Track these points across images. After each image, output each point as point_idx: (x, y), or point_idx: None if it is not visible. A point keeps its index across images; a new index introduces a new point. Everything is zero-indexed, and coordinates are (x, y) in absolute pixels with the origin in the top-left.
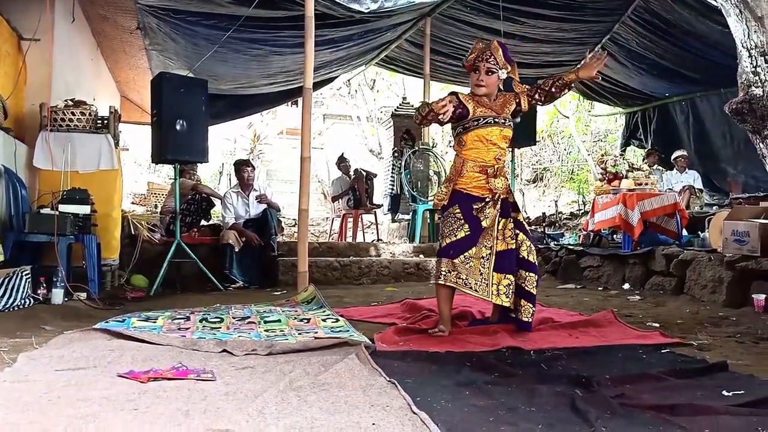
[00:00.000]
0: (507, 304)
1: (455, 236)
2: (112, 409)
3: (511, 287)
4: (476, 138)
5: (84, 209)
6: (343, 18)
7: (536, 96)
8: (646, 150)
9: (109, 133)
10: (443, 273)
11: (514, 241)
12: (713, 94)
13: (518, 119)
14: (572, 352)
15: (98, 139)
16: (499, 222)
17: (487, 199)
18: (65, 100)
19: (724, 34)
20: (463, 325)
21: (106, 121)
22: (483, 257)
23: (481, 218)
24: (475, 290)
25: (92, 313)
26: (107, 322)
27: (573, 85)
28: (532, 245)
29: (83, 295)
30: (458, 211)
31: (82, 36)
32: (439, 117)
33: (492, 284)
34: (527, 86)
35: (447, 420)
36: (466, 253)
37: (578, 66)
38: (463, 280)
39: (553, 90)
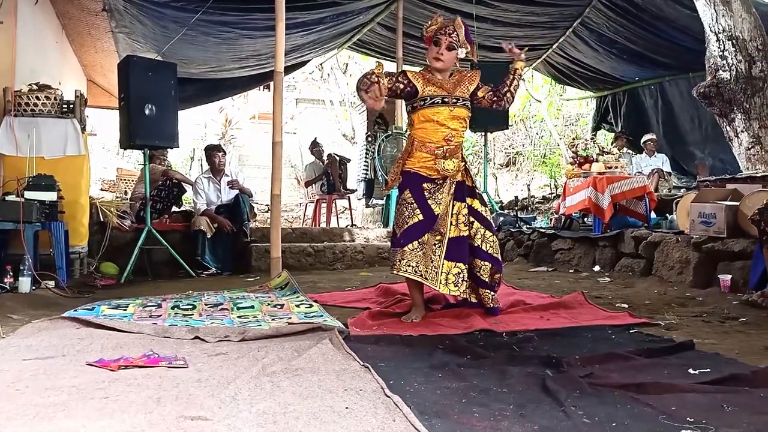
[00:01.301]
0: (455, 294)
1: (407, 224)
2: (82, 398)
3: (461, 276)
4: (423, 118)
5: (50, 196)
6: (315, 0)
7: (493, 94)
8: (614, 134)
9: (75, 118)
10: (395, 263)
11: (468, 228)
12: (682, 78)
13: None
14: (543, 334)
15: (64, 124)
16: (453, 206)
17: (438, 181)
18: (29, 84)
19: (692, 19)
20: (436, 309)
21: (71, 106)
22: (434, 244)
23: (433, 205)
24: (425, 278)
25: (61, 301)
26: (76, 310)
27: (516, 76)
28: (489, 233)
29: (51, 284)
30: (410, 196)
31: (47, 18)
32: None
33: (441, 273)
34: (489, 87)
35: (420, 402)
36: (420, 239)
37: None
38: (413, 267)
39: (503, 90)
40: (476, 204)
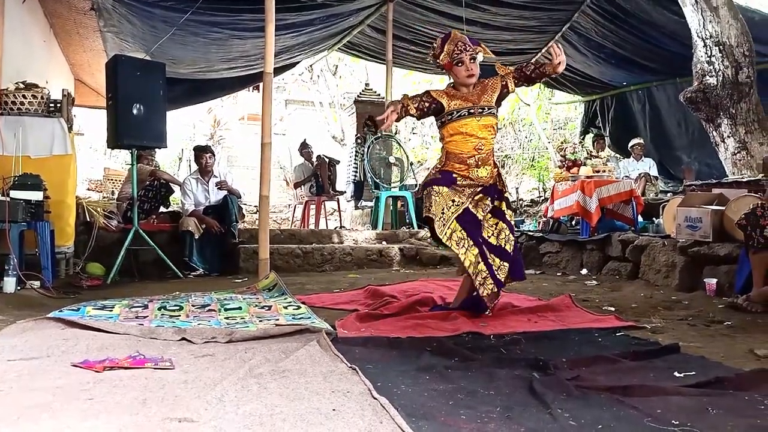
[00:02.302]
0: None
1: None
2: (67, 399)
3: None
4: (452, 131)
5: (36, 195)
6: (305, 2)
7: (520, 78)
8: (592, 136)
9: (62, 117)
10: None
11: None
12: (669, 84)
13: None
14: (531, 337)
15: (51, 123)
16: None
17: (473, 183)
18: (16, 83)
19: (680, 24)
20: (425, 311)
21: (59, 105)
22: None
23: (468, 202)
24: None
25: (46, 301)
26: (61, 310)
27: (549, 75)
28: (512, 237)
29: (36, 284)
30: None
31: (34, 17)
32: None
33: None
34: (511, 68)
35: (407, 404)
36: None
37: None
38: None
39: (533, 76)
40: (503, 206)
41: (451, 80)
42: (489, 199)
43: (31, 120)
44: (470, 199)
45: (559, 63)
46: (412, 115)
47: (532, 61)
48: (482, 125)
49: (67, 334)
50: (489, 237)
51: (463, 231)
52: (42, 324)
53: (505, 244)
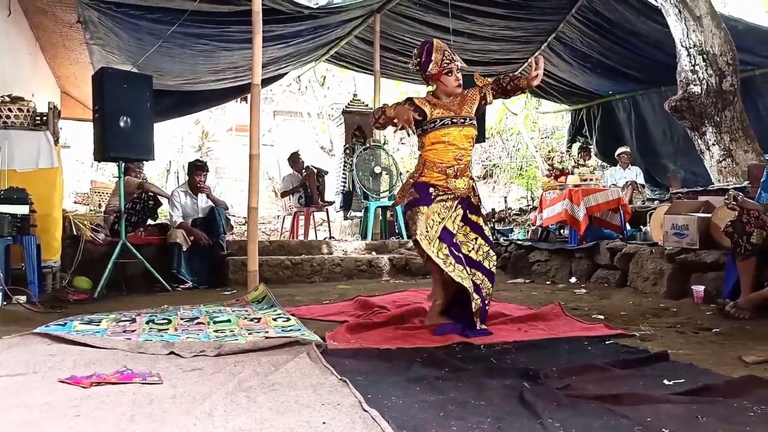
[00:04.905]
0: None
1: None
2: (54, 416)
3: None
4: (434, 140)
5: (22, 209)
6: (292, 14)
7: (498, 90)
8: (578, 147)
9: (49, 130)
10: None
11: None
12: (654, 92)
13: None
14: (521, 346)
15: (37, 137)
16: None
17: (449, 195)
18: (2, 96)
19: (664, 34)
20: (419, 321)
21: (45, 118)
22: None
23: (442, 216)
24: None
25: (32, 316)
26: (48, 326)
27: (524, 89)
28: (492, 251)
29: (23, 299)
30: (425, 208)
31: (20, 30)
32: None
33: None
34: (489, 79)
35: (397, 416)
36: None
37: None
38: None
39: (509, 88)
40: (480, 221)
41: (432, 89)
42: (462, 210)
43: (17, 133)
44: (448, 214)
45: (536, 77)
46: (395, 124)
47: (510, 74)
48: (463, 135)
49: (53, 350)
50: (469, 252)
51: (447, 248)
52: (28, 339)
53: (483, 260)
